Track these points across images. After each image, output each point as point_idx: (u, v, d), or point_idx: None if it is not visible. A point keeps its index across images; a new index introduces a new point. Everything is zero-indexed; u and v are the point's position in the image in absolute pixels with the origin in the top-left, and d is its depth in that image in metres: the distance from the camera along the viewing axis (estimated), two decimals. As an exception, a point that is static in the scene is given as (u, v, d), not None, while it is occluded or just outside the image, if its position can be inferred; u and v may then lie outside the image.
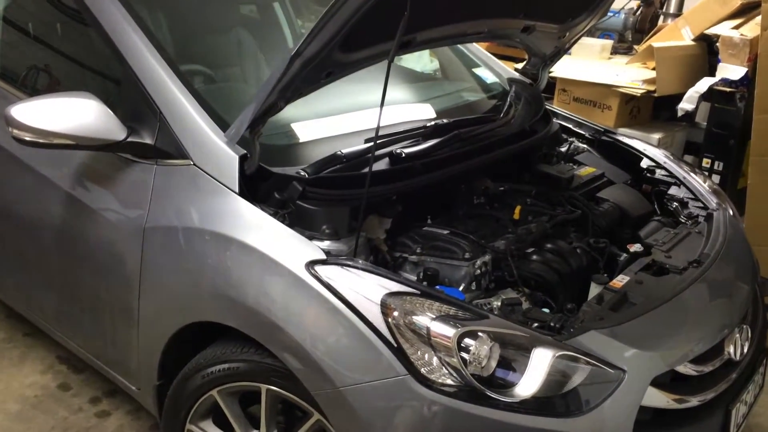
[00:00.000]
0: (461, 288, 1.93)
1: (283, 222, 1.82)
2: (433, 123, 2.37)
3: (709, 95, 3.75)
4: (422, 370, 1.61)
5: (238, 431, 1.97)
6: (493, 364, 1.61)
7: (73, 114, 1.94)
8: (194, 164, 1.95)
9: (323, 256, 1.74)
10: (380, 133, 1.80)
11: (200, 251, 1.89)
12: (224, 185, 1.89)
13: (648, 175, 2.69)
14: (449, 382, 1.61)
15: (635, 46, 4.92)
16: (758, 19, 3.45)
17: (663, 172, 2.68)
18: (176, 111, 2.00)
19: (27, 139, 1.95)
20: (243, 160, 1.88)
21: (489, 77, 3.05)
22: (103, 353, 2.33)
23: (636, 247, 2.20)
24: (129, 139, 1.99)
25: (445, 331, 1.62)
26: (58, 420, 2.56)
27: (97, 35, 2.20)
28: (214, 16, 2.81)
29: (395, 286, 1.69)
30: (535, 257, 2.07)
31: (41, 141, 1.95)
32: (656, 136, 4.01)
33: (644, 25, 5.11)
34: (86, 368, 2.75)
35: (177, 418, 2.04)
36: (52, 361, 2.86)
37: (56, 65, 2.57)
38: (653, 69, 4.03)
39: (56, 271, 2.38)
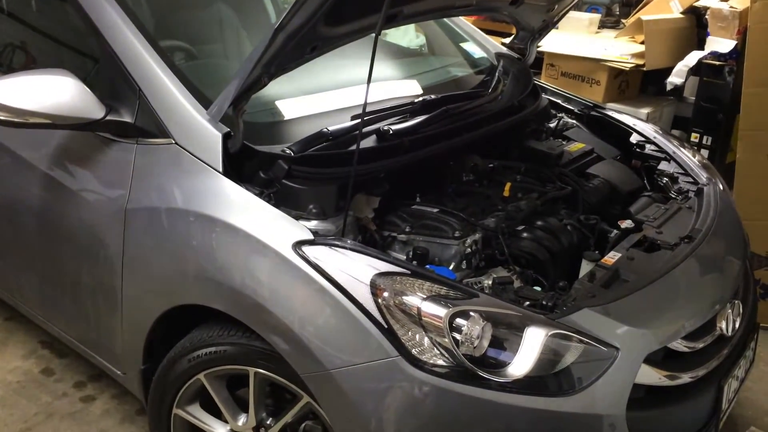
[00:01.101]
0: (451, 267, 1.91)
1: (268, 202, 1.78)
2: (420, 99, 2.33)
3: (698, 69, 3.73)
4: (413, 351, 1.59)
5: (226, 415, 1.95)
6: (485, 343, 1.58)
7: (50, 92, 1.88)
8: (176, 143, 1.90)
9: (310, 237, 1.71)
10: (367, 110, 1.75)
11: (184, 232, 1.85)
12: (207, 164, 1.85)
13: (637, 150, 2.66)
14: (441, 362, 1.58)
15: (623, 20, 4.88)
16: (747, -9, 3.41)
17: (652, 147, 2.66)
18: (156, 88, 1.95)
19: (1, 118, 1.88)
20: (226, 138, 1.84)
21: (476, 52, 3.00)
22: (87, 337, 2.29)
23: (627, 224, 2.17)
24: (108, 118, 1.94)
25: (436, 311, 1.59)
26: (42, 405, 2.52)
27: (73, 11, 2.13)
28: (195, -10, 2.74)
29: (385, 266, 1.66)
30: (525, 235, 2.05)
31: (16, 120, 1.88)
32: (645, 110, 3.99)
33: (632, -2, 5.07)
34: (70, 352, 2.71)
35: (163, 403, 2.01)
36: (35, 345, 2.82)
37: (32, 42, 2.50)
38: (641, 43, 4.00)
39: (37, 255, 2.32)
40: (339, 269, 1.65)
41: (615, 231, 2.17)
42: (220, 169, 1.83)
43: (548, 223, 2.10)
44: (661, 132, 2.77)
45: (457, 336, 1.57)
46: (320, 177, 1.86)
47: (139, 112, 1.96)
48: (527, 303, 1.71)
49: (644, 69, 3.92)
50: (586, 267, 1.97)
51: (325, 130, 1.97)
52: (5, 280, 2.60)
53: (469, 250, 1.94)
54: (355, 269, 1.65)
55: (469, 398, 1.57)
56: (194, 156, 1.87)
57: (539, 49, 3.58)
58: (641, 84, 4.27)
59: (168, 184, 1.90)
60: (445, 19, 2.99)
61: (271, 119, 2.13)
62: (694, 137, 3.77)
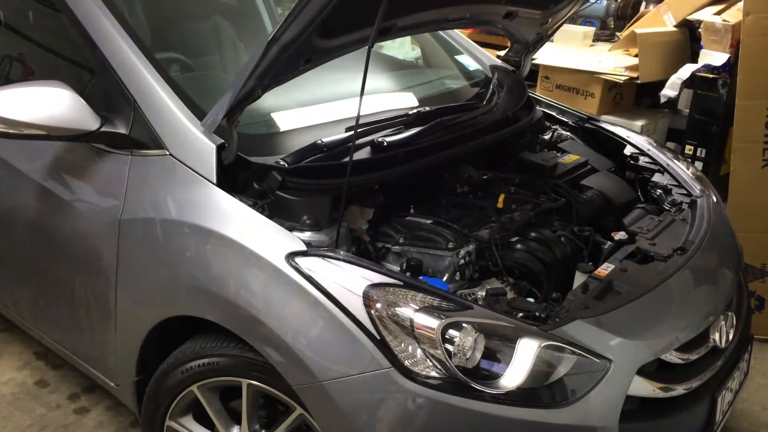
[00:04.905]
0: (445, 278, 1.91)
1: (262, 213, 1.78)
2: (415, 111, 2.33)
3: (691, 82, 3.74)
4: (406, 363, 1.58)
5: (219, 427, 1.94)
6: (478, 355, 1.58)
7: (45, 103, 1.88)
8: (170, 154, 1.91)
9: (304, 248, 1.71)
10: (362, 122, 1.76)
11: (178, 244, 1.85)
12: (201, 176, 1.85)
13: (631, 162, 2.67)
14: (433, 374, 1.58)
15: (617, 33, 4.90)
16: (740, 4, 3.43)
17: (646, 159, 2.67)
18: (151, 100, 1.95)
19: (-3, 129, 1.89)
20: (220, 149, 1.84)
21: (471, 64, 3.02)
22: (81, 349, 2.29)
23: (620, 235, 2.18)
24: (103, 129, 1.94)
25: (428, 322, 1.59)
26: (36, 417, 2.51)
27: (69, 23, 2.14)
28: (192, 3, 2.75)
29: (378, 278, 1.66)
30: (519, 246, 2.05)
31: (11, 131, 1.88)
32: (639, 123, 4.00)
33: (626, 11, 5.08)
34: (64, 364, 2.71)
35: (156, 415, 2.00)
36: (29, 357, 2.81)
37: (29, 54, 2.50)
38: (636, 56, 4.02)
39: (31, 266, 2.32)
40: (332, 280, 1.65)
41: (608, 242, 2.17)
42: (214, 181, 1.83)
43: (542, 234, 2.10)
44: (654, 144, 2.78)
45: (450, 347, 1.57)
46: (314, 188, 1.86)
47: (134, 124, 1.96)
48: (520, 314, 1.71)
49: (638, 81, 3.94)
50: (579, 278, 1.97)
51: (320, 141, 1.98)
52: (0, 291, 2.59)
53: (462, 261, 1.94)
54: (348, 280, 1.65)
55: (461, 410, 1.56)
56: (188, 167, 1.87)
57: (534, 61, 3.61)
58: (635, 96, 4.29)
59: (162, 196, 1.90)
60: (440, 32, 3.01)
61: (266, 131, 2.14)
62: (689, 149, 3.78)
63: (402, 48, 3.71)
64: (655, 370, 1.76)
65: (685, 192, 2.46)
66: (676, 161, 2.66)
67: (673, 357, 1.80)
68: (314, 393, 1.65)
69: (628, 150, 2.72)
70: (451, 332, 1.58)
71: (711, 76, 3.65)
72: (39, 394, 2.62)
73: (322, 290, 1.64)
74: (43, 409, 2.55)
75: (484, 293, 1.85)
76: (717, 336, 1.92)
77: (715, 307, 1.96)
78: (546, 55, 4.14)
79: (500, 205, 2.21)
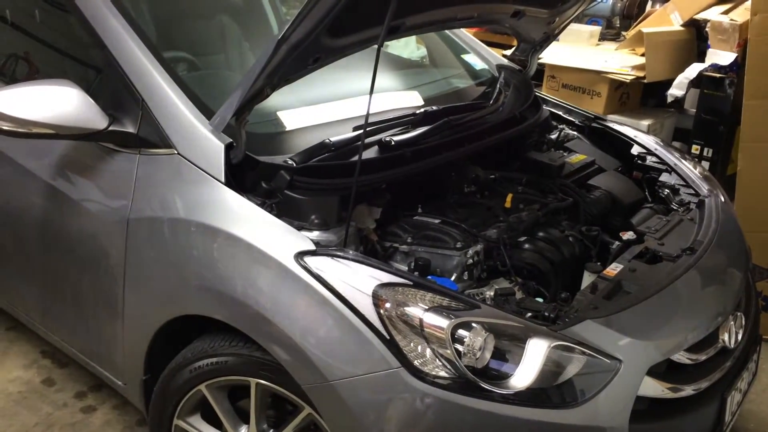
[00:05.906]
0: (453, 278, 1.90)
1: (270, 212, 1.78)
2: (422, 110, 2.33)
3: (698, 81, 3.74)
4: (415, 363, 1.58)
5: (228, 426, 1.94)
6: (488, 355, 1.58)
7: (53, 102, 1.88)
8: (178, 153, 1.91)
9: (312, 247, 1.71)
10: (369, 121, 1.76)
11: (186, 243, 1.85)
12: (210, 175, 1.85)
13: (639, 161, 2.66)
14: (443, 374, 1.58)
15: (623, 32, 4.90)
16: (748, 3, 3.43)
17: (654, 158, 2.66)
18: (159, 99, 1.95)
19: (4, 128, 1.88)
20: (229, 148, 1.84)
21: (478, 64, 3.01)
22: (88, 348, 2.29)
23: (629, 235, 2.17)
24: (111, 128, 1.94)
25: (438, 322, 1.59)
26: (42, 416, 2.51)
27: (77, 22, 2.14)
28: (198, 2, 2.75)
29: (387, 277, 1.66)
30: (527, 246, 2.05)
31: (20, 130, 1.88)
32: (646, 122, 4.00)
33: (632, 10, 5.08)
34: (71, 362, 2.71)
35: (164, 414, 2.00)
36: (36, 355, 2.81)
37: (36, 53, 2.50)
38: (642, 55, 4.02)
39: (39, 265, 2.32)
40: (341, 280, 1.65)
41: (617, 242, 2.17)
42: (223, 180, 1.83)
43: (550, 234, 2.10)
44: (662, 144, 2.78)
45: (460, 347, 1.57)
46: (322, 188, 1.86)
47: (142, 123, 1.96)
48: (529, 314, 1.70)
49: (645, 81, 3.93)
50: (588, 278, 1.97)
51: (327, 140, 1.98)
52: (7, 289, 2.59)
53: (470, 261, 1.93)
54: (357, 280, 1.64)
55: (471, 410, 1.56)
56: (196, 166, 1.87)
57: (540, 61, 3.60)
58: (642, 96, 4.28)
59: (170, 195, 1.90)
60: (447, 31, 3.00)
61: (274, 130, 2.14)
62: (695, 149, 3.78)
63: (407, 47, 3.70)
64: (664, 370, 1.75)
65: (693, 192, 2.45)
66: (683, 161, 2.65)
67: (682, 357, 1.79)
68: (323, 392, 1.65)
69: (635, 149, 2.71)
70: (461, 332, 1.58)
71: (718, 75, 3.65)
72: (46, 393, 2.63)
73: (331, 289, 1.63)
74: (49, 408, 2.55)
75: (492, 293, 1.85)
76: (726, 336, 1.92)
77: (725, 307, 1.96)
78: (552, 55, 4.14)
79: (508, 204, 2.20)
